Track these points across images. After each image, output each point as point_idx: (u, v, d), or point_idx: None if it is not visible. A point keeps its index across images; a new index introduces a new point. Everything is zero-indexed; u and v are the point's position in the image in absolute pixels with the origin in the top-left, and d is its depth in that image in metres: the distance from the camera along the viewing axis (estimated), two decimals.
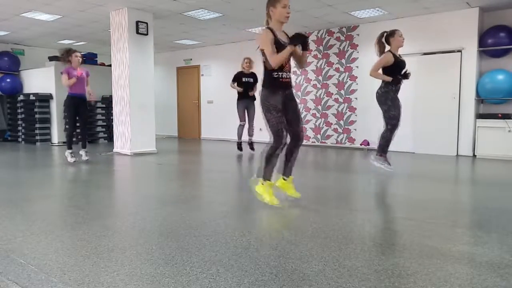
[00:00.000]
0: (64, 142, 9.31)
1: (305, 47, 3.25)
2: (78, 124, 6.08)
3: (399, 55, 4.86)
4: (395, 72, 4.78)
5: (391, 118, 4.78)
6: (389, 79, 4.75)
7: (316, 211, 3.23)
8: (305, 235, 2.64)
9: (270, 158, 3.27)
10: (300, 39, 3.14)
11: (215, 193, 4.13)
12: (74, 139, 6.34)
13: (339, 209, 3.34)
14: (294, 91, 3.40)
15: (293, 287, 1.86)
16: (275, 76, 3.20)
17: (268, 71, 3.22)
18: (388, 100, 4.79)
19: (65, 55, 5.92)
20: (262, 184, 3.32)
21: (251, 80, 7.33)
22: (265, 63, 3.21)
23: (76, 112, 5.94)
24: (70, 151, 6.04)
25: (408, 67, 4.92)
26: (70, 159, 5.98)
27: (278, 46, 3.15)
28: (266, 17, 3.26)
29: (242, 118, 7.37)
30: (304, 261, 2.16)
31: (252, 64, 7.37)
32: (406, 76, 4.78)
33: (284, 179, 3.51)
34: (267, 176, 3.30)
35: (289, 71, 3.25)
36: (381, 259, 2.19)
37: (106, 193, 4.16)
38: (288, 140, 3.35)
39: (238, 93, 7.33)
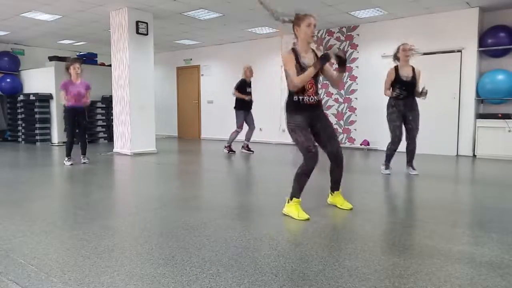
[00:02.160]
0: (64, 142, 9.33)
1: (342, 66, 3.09)
2: (77, 131, 6.12)
3: (412, 70, 4.82)
4: (395, 88, 4.85)
5: (392, 131, 4.92)
6: (394, 94, 4.85)
7: (316, 211, 3.23)
8: (305, 235, 2.64)
9: (299, 178, 3.11)
10: (325, 60, 2.98)
11: (215, 193, 4.13)
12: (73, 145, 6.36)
13: (339, 209, 3.34)
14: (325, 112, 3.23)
15: (293, 287, 1.86)
16: (295, 100, 3.07)
17: (290, 94, 3.11)
18: (389, 115, 4.91)
19: (67, 66, 5.98)
20: (288, 202, 3.17)
21: (251, 90, 7.39)
22: (288, 85, 3.10)
23: (75, 122, 6.01)
24: (67, 157, 6.07)
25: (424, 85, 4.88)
26: (67, 163, 6.02)
27: (299, 70, 3.02)
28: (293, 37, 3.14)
29: (240, 127, 7.42)
30: (304, 261, 2.16)
31: (252, 73, 7.40)
32: (406, 92, 4.82)
33: (331, 194, 3.43)
34: (295, 194, 3.14)
35: (315, 95, 3.10)
36: (381, 259, 2.19)
37: (106, 193, 4.16)
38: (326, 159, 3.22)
39: (239, 102, 7.32)
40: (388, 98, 4.93)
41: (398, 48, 4.87)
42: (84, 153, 6.23)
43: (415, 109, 4.89)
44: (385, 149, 5.12)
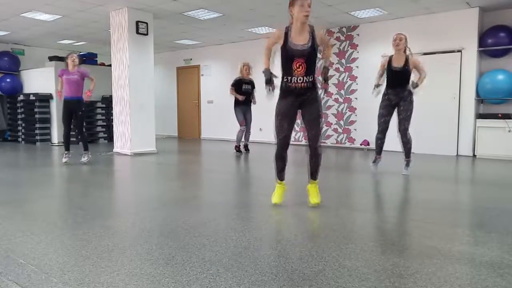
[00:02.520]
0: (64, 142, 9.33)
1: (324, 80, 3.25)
2: (75, 125, 6.06)
3: (406, 60, 4.79)
4: (387, 77, 4.90)
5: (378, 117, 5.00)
6: (376, 82, 4.99)
7: (316, 211, 3.23)
8: (305, 235, 2.64)
9: (275, 161, 3.35)
10: (267, 84, 3.14)
11: (215, 193, 4.13)
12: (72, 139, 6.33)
13: (339, 209, 3.34)
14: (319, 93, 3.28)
15: (293, 287, 1.86)
16: (284, 80, 3.13)
17: (282, 72, 3.18)
18: (379, 106, 4.99)
19: (66, 57, 5.99)
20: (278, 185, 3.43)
21: (249, 87, 7.35)
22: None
23: (70, 114, 5.91)
24: (65, 152, 6.05)
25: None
26: (64, 159, 6.02)
27: (285, 50, 3.06)
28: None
29: (242, 123, 7.39)
30: (304, 261, 2.16)
31: (251, 70, 7.36)
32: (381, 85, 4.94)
33: (309, 181, 3.46)
34: (276, 177, 3.40)
35: (304, 75, 3.08)
36: (381, 259, 2.19)
37: (106, 193, 4.16)
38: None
39: (236, 100, 7.33)
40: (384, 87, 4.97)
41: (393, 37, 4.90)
42: (86, 149, 6.10)
43: (407, 100, 4.81)
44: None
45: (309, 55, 3.07)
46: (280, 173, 3.37)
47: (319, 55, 3.22)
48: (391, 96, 4.86)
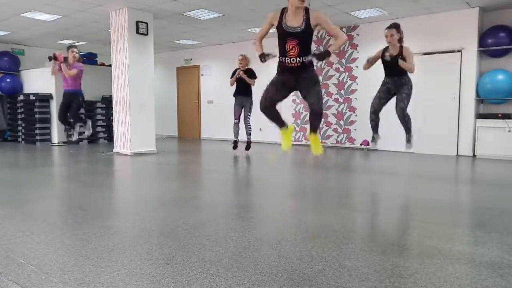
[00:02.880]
0: (64, 142, 9.33)
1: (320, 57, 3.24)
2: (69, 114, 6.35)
3: (400, 50, 4.76)
4: (383, 67, 4.95)
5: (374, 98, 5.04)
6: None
7: (316, 211, 3.23)
8: (305, 235, 2.64)
9: (264, 110, 3.43)
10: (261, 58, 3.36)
11: (215, 193, 4.13)
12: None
13: (339, 209, 3.34)
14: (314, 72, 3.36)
15: (293, 287, 1.86)
16: (280, 60, 3.26)
17: (278, 54, 3.29)
18: (379, 88, 5.01)
19: (66, 49, 6.18)
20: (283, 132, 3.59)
21: (245, 76, 7.23)
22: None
23: (66, 104, 6.21)
24: (66, 127, 6.31)
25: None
26: (73, 137, 6.44)
27: (279, 31, 3.17)
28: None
29: (236, 116, 7.26)
30: (304, 261, 2.16)
31: (247, 61, 7.29)
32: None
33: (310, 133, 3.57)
34: (278, 126, 3.54)
35: (297, 56, 3.13)
36: (381, 259, 2.19)
37: (106, 193, 4.16)
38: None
39: (234, 89, 7.29)
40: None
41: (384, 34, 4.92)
42: (82, 122, 6.44)
43: (404, 85, 4.81)
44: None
45: (303, 37, 3.11)
46: (278, 121, 3.48)
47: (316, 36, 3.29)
48: (389, 85, 4.89)
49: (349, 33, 8.41)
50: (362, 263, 2.14)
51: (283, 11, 3.15)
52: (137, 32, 7.26)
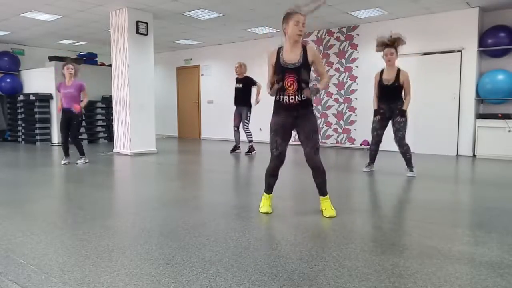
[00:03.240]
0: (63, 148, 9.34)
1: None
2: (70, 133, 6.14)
3: (397, 73, 4.78)
4: (380, 93, 4.93)
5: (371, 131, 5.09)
6: (374, 106, 5.01)
7: (316, 211, 3.23)
8: (305, 235, 2.64)
9: (266, 175, 3.28)
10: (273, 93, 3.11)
11: (215, 193, 4.13)
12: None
13: (339, 209, 3.33)
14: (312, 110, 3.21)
15: (293, 287, 1.86)
16: (277, 99, 3.10)
17: (278, 89, 3.13)
18: (373, 120, 5.06)
19: (62, 67, 6.02)
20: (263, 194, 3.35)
21: (240, 85, 7.31)
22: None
23: (66, 123, 6.01)
24: (65, 157, 6.16)
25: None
26: (63, 161, 6.13)
27: (277, 68, 3.04)
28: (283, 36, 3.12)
29: (235, 123, 7.46)
30: (304, 261, 2.16)
31: (242, 68, 7.32)
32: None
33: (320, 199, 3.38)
34: (264, 189, 3.31)
35: (296, 95, 3.02)
36: (381, 259, 2.19)
37: (106, 193, 4.16)
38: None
39: (234, 98, 7.39)
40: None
41: (383, 52, 4.86)
42: (81, 154, 6.21)
43: (400, 113, 4.81)
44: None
45: (301, 72, 3.01)
46: (270, 188, 3.30)
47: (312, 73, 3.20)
48: (383, 111, 4.93)
49: (349, 33, 8.42)
50: (362, 263, 2.14)
51: (279, 50, 3.09)
52: (137, 32, 7.26)
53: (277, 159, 3.15)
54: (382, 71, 4.92)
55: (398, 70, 4.80)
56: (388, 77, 4.81)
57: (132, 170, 5.84)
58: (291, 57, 3.03)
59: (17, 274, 2.01)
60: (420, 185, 4.45)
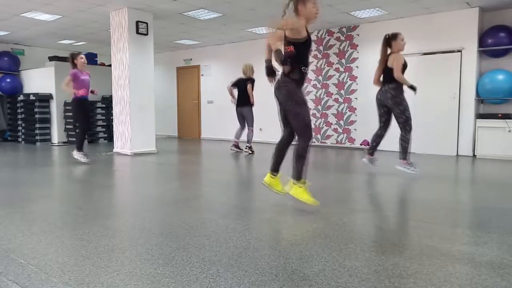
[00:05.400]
0: (64, 142, 9.33)
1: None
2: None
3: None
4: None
5: (408, 118, 4.79)
6: (410, 84, 4.81)
7: (316, 211, 3.23)
8: (305, 235, 2.64)
9: (304, 155, 3.14)
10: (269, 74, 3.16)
11: (215, 193, 4.13)
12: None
13: (339, 209, 3.33)
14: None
15: (293, 287, 1.86)
16: (303, 71, 3.14)
17: (297, 63, 3.09)
18: (404, 101, 4.80)
19: (71, 58, 6.01)
20: (300, 186, 3.19)
21: (246, 86, 7.30)
22: (295, 52, 3.06)
23: (88, 113, 6.13)
24: (82, 152, 6.10)
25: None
26: (84, 160, 6.04)
27: (309, 43, 3.13)
28: (293, 13, 3.17)
29: (241, 124, 7.49)
30: (304, 261, 2.16)
31: (248, 69, 7.34)
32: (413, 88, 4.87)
33: (272, 176, 3.41)
34: (303, 175, 3.18)
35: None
36: (381, 259, 2.19)
37: (106, 193, 4.16)
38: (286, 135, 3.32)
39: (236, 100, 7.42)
40: (398, 87, 4.85)
41: (395, 37, 4.88)
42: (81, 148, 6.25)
43: (390, 97, 4.80)
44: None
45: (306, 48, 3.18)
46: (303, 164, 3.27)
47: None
48: (378, 97, 4.97)
49: (349, 33, 8.42)
50: (362, 263, 2.14)
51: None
52: (137, 32, 7.26)
53: (312, 131, 3.22)
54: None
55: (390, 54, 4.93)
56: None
57: (132, 170, 5.84)
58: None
59: (17, 274, 2.01)
60: (420, 185, 4.45)
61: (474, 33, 6.95)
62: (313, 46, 8.83)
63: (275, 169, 3.38)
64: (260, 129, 9.16)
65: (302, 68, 3.12)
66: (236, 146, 7.64)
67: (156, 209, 3.35)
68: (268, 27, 3.26)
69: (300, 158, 3.16)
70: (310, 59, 9.36)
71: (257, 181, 4.97)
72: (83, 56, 6.02)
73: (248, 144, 7.45)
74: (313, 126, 3.20)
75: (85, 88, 5.91)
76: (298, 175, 3.19)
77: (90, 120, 6.30)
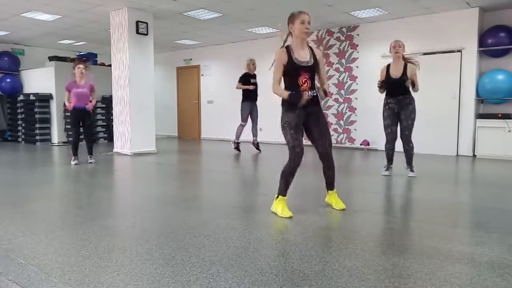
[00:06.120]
0: (64, 142, 9.33)
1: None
2: (82, 131, 6.18)
3: (404, 67, 4.72)
4: (388, 88, 4.84)
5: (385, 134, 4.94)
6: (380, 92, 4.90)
7: (316, 211, 3.23)
8: (305, 235, 2.64)
9: (284, 176, 3.16)
10: (296, 100, 3.03)
11: (215, 193, 4.13)
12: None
13: (338, 209, 3.33)
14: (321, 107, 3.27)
15: (293, 287, 1.86)
16: (294, 94, 3.07)
17: (286, 88, 3.13)
18: (383, 117, 4.92)
19: (73, 67, 6.02)
20: (276, 199, 3.21)
21: (256, 81, 7.45)
22: (285, 78, 3.13)
23: (79, 122, 6.04)
24: (74, 156, 6.12)
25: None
26: (72, 162, 6.08)
27: (291, 67, 3.06)
28: (287, 35, 3.16)
29: (245, 120, 7.45)
30: (304, 261, 2.16)
31: (255, 65, 7.49)
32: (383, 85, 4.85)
33: (327, 193, 3.42)
34: (280, 192, 3.18)
35: (309, 90, 3.09)
36: (381, 259, 2.19)
37: (106, 193, 4.16)
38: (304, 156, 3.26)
39: (245, 94, 7.38)
40: (384, 96, 4.93)
41: (390, 46, 4.82)
42: (90, 153, 6.26)
43: (408, 108, 4.76)
44: (384, 149, 5.12)
45: (312, 71, 3.13)
46: (287, 189, 3.20)
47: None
48: (392, 105, 4.83)
49: (349, 33, 8.42)
50: (362, 263, 2.14)
51: (288, 48, 3.12)
52: (137, 32, 7.26)
53: (299, 157, 3.09)
54: (388, 66, 4.84)
55: (405, 64, 4.74)
56: (396, 72, 4.74)
57: (132, 170, 5.84)
58: (302, 55, 3.11)
59: (17, 274, 2.01)
60: (420, 185, 4.45)
61: (474, 33, 6.95)
62: (313, 46, 8.83)
63: (328, 186, 3.39)
64: (260, 129, 9.15)
65: (291, 92, 3.07)
66: (238, 147, 7.64)
67: (156, 209, 3.35)
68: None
69: (281, 176, 3.18)
70: None
71: (257, 181, 4.97)
72: (80, 66, 5.94)
73: (255, 140, 7.46)
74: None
75: (76, 98, 5.86)
76: (278, 191, 3.20)
77: (85, 129, 6.10)
